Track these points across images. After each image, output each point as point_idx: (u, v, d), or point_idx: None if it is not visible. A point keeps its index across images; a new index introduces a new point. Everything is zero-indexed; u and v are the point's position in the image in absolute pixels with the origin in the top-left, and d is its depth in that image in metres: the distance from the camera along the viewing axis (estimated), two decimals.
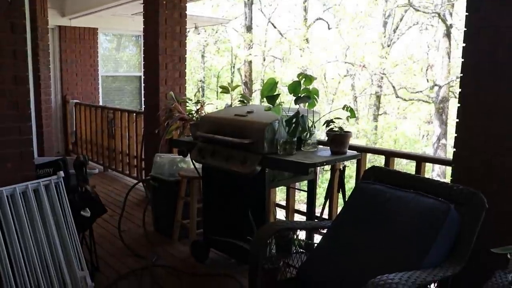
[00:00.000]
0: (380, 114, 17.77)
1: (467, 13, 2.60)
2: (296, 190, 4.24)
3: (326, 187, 3.37)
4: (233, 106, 3.89)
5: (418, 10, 15.07)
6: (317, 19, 19.35)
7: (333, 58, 16.50)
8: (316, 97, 2.96)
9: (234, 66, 19.80)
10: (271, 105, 2.90)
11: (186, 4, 5.48)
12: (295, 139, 2.96)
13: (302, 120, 2.90)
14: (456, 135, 2.65)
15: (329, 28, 18.85)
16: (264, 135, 2.96)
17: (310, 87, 2.95)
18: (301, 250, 3.11)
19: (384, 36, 17.00)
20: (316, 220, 3.53)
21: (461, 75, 2.60)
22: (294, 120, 2.88)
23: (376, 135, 16.78)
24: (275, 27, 19.46)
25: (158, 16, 5.16)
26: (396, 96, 15.31)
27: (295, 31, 19.34)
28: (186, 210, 4.14)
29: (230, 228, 3.44)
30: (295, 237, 3.04)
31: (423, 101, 15.50)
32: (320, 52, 16.32)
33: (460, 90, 2.62)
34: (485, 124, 2.53)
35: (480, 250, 2.27)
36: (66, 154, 7.89)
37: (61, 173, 3.13)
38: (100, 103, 8.32)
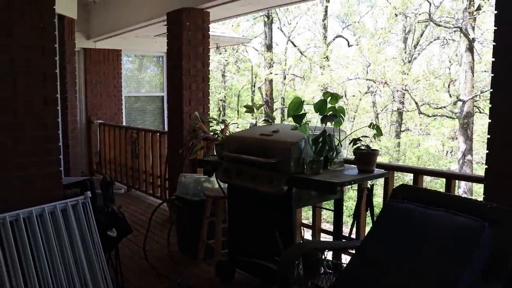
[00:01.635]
0: (403, 131, 17.59)
1: (495, 27, 2.56)
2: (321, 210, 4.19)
3: (355, 206, 3.32)
4: (257, 125, 3.89)
5: (439, 25, 14.97)
6: (336, 37, 19.41)
7: (354, 75, 16.46)
8: (342, 115, 2.94)
9: (254, 85, 19.91)
10: (297, 124, 2.89)
11: (209, 25, 5.55)
12: (322, 158, 2.93)
13: (329, 139, 2.88)
14: (487, 151, 2.60)
15: (349, 46, 18.87)
16: (291, 154, 2.94)
17: (336, 105, 2.93)
18: (329, 271, 3.07)
19: (405, 52, 16.92)
20: (344, 240, 3.49)
21: (491, 90, 2.55)
22: (321, 139, 2.86)
23: (399, 152, 16.59)
24: (295, 46, 19.56)
25: (182, 37, 5.23)
26: (419, 112, 15.15)
27: (315, 49, 19.41)
28: (211, 230, 4.11)
29: (256, 248, 3.41)
30: (323, 257, 2.99)
31: (447, 116, 15.29)
32: (341, 70, 16.32)
33: (490, 105, 2.57)
34: None
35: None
36: (90, 174, 7.98)
37: (88, 193, 3.16)
38: (124, 123, 8.42)
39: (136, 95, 9.07)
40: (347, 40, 19.33)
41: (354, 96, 18.03)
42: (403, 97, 15.95)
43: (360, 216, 3.49)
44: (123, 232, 3.42)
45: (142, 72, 9.31)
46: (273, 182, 3.02)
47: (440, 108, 15.06)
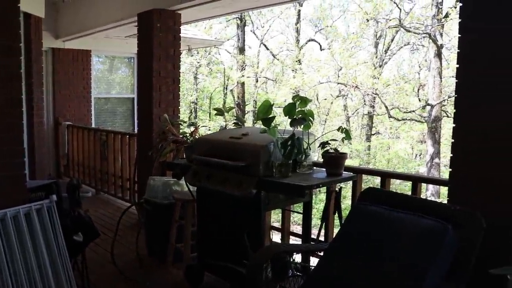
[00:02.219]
0: (373, 134, 17.85)
1: (460, 35, 2.62)
2: (291, 212, 4.20)
3: (323, 209, 3.34)
4: (227, 128, 3.88)
5: (409, 31, 15.27)
6: (309, 40, 19.57)
7: (326, 79, 16.62)
8: (311, 119, 2.96)
9: (226, 88, 19.88)
10: (266, 128, 2.89)
11: (180, 27, 5.51)
12: (291, 161, 2.94)
13: (298, 142, 2.89)
14: (452, 155, 2.65)
15: (321, 49, 19.06)
16: (260, 157, 2.94)
17: (305, 109, 2.95)
18: (298, 273, 3.08)
19: (376, 57, 17.19)
20: (312, 243, 3.50)
21: (456, 95, 2.61)
22: (289, 142, 2.87)
23: (369, 155, 16.82)
24: (267, 49, 19.63)
25: (152, 38, 5.18)
26: (388, 116, 15.40)
27: (287, 52, 19.52)
28: (180, 233, 4.08)
29: (225, 252, 3.39)
30: (292, 260, 3.00)
31: (416, 120, 15.60)
32: (313, 73, 16.45)
33: (454, 110, 2.63)
34: (480, 144, 2.53)
35: (478, 271, 2.24)
36: (57, 177, 7.81)
37: (54, 197, 3.09)
38: (93, 125, 8.28)
39: (107, 96, 8.93)
40: (319, 44, 19.52)
41: (325, 99, 18.21)
42: (374, 101, 16.19)
43: (329, 218, 3.51)
44: (90, 236, 3.35)
45: (113, 73, 9.18)
46: (242, 185, 3.01)
47: (410, 112, 15.35)
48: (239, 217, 3.25)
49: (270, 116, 2.90)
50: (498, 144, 2.47)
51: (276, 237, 4.10)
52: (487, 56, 2.50)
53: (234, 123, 3.78)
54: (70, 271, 3.03)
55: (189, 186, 3.77)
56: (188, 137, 4.27)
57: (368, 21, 15.99)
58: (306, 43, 19.47)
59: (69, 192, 3.36)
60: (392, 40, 17.64)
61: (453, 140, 2.64)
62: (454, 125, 2.63)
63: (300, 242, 3.74)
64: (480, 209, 2.29)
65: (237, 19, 18.14)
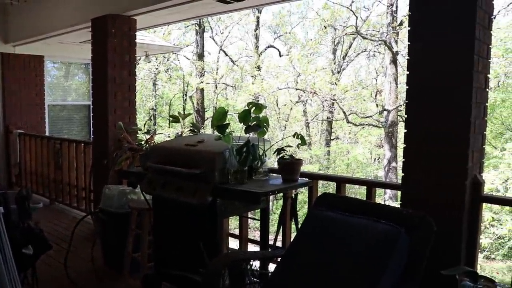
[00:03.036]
0: (332, 139, 18.11)
1: (409, 43, 2.70)
2: (250, 219, 4.19)
3: (279, 216, 3.35)
4: (184, 135, 3.84)
5: (365, 38, 15.61)
6: (268, 47, 19.70)
7: (285, 85, 16.77)
8: (266, 125, 2.96)
9: (186, 94, 19.74)
10: (221, 135, 2.87)
11: (136, 33, 5.43)
12: (246, 168, 2.93)
13: (253, 149, 2.89)
14: (403, 159, 2.71)
15: (280, 56, 19.22)
16: (215, 164, 2.92)
17: (260, 115, 2.95)
18: (255, 280, 3.07)
19: (334, 63, 17.47)
20: (270, 249, 3.50)
21: (406, 101, 2.68)
22: (244, 149, 2.86)
23: (328, 160, 17.04)
24: (226, 55, 19.64)
25: (107, 44, 5.08)
26: (347, 121, 15.67)
27: (247, 58, 19.59)
28: (137, 243, 4.00)
29: (182, 260, 3.34)
30: (249, 267, 2.99)
31: (373, 125, 15.93)
32: (272, 79, 16.56)
33: (405, 115, 2.69)
34: (430, 148, 2.60)
35: (431, 273, 2.30)
36: (9, 187, 7.52)
37: (1, 209, 2.96)
38: (47, 133, 8.03)
39: (62, 103, 8.69)
40: (278, 50, 19.69)
41: (285, 105, 18.36)
42: (333, 107, 16.44)
43: (286, 224, 3.53)
44: (41, 248, 3.24)
45: (69, 80, 8.94)
46: (198, 193, 2.98)
47: (367, 117, 15.66)
48: (196, 225, 3.21)
49: (225, 123, 2.88)
50: (446, 149, 2.55)
51: (234, 244, 4.08)
52: (432, 64, 2.59)
53: (190, 130, 3.74)
54: (18, 286, 2.91)
55: (145, 194, 3.70)
56: (144, 145, 4.20)
57: (325, 28, 16.25)
58: (265, 50, 19.60)
59: (18, 203, 3.24)
60: (349, 47, 17.99)
61: (404, 145, 2.71)
62: (405, 130, 2.70)
63: (258, 249, 3.73)
64: (431, 212, 2.35)
65: (196, 25, 18.07)
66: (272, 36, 20.45)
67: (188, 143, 3.27)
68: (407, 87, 2.67)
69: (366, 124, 16.18)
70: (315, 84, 15.14)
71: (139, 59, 13.93)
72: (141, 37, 7.67)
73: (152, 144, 4.13)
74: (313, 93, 15.00)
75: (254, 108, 2.95)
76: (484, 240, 8.76)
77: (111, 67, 5.11)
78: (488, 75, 2.75)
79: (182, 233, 3.35)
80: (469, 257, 2.67)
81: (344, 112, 15.24)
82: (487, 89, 2.75)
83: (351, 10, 15.20)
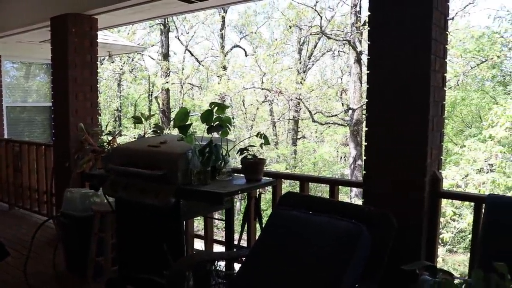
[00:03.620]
0: (299, 138, 18.24)
1: (369, 42, 2.74)
2: (216, 220, 4.17)
3: (243, 216, 3.35)
4: (146, 136, 3.79)
5: (330, 38, 15.78)
6: (234, 47, 19.69)
7: (251, 85, 16.79)
8: (228, 125, 2.95)
9: (151, 95, 19.50)
10: (183, 135, 2.85)
11: (97, 32, 5.33)
12: (209, 168, 2.92)
13: (215, 149, 2.88)
14: (365, 158, 2.75)
15: (246, 55, 19.23)
16: (178, 165, 2.89)
17: (223, 115, 2.94)
18: (221, 280, 3.06)
19: (300, 62, 17.59)
20: (236, 250, 3.49)
21: (367, 100, 2.72)
22: (207, 149, 2.84)
23: (295, 159, 17.15)
24: (192, 55, 19.51)
25: (67, 44, 4.96)
26: (312, 120, 15.82)
27: (212, 58, 19.52)
28: (100, 246, 3.92)
29: (147, 263, 3.30)
30: (213, 268, 2.98)
31: (339, 124, 16.13)
32: (238, 79, 16.55)
33: (366, 114, 2.73)
34: (390, 146, 2.65)
35: (392, 268, 2.34)
36: None
37: None
38: (5, 136, 7.77)
39: (23, 105, 8.43)
40: (244, 50, 19.69)
41: (251, 105, 18.38)
42: (299, 106, 16.56)
43: (251, 224, 3.53)
44: None
45: (30, 80, 8.67)
46: (161, 195, 2.95)
47: (332, 116, 15.85)
48: (159, 227, 3.17)
49: (187, 123, 2.86)
50: (405, 147, 2.60)
51: (200, 245, 4.05)
52: (391, 64, 2.63)
53: (153, 131, 3.70)
54: None
55: (107, 197, 3.63)
56: (106, 147, 4.12)
57: (290, 27, 16.36)
58: (231, 49, 19.58)
59: None
60: (315, 47, 18.14)
61: (366, 143, 2.75)
62: (366, 128, 2.74)
63: (224, 249, 3.72)
64: (392, 209, 2.39)
65: (161, 25, 17.87)
66: (238, 36, 20.46)
67: (150, 144, 3.23)
68: (368, 86, 2.71)
69: (332, 123, 16.36)
70: (280, 84, 15.22)
71: (103, 59, 13.68)
72: (104, 36, 7.51)
73: (114, 145, 4.06)
74: (278, 93, 15.07)
75: (216, 108, 2.94)
76: (446, 235, 9.00)
77: (71, 67, 4.99)
78: (445, 74, 2.82)
79: (146, 235, 3.31)
80: (429, 251, 2.74)
81: (310, 111, 15.38)
82: (444, 88, 2.82)
83: (315, 10, 15.33)
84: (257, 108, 18.01)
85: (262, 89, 16.17)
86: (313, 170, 16.52)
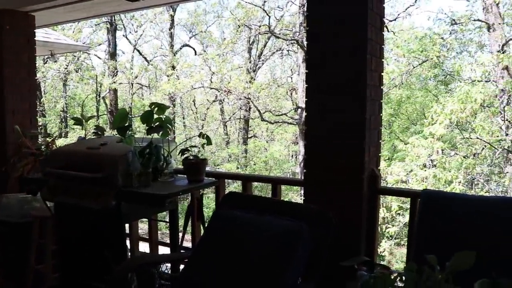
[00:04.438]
0: (250, 137, 18.29)
1: (307, 42, 2.77)
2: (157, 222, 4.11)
3: (184, 217, 3.31)
4: (87, 138, 3.68)
5: (278, 37, 15.91)
6: (183, 46, 19.49)
7: (200, 84, 16.68)
8: (169, 126, 2.92)
9: (99, 95, 18.99)
10: (122, 137, 2.79)
11: (36, 30, 5.12)
12: (150, 170, 2.87)
13: (156, 150, 2.83)
14: (305, 157, 2.78)
15: (196, 54, 19.08)
16: (117, 167, 2.83)
17: (163, 116, 2.90)
18: (165, 282, 3.02)
19: (250, 62, 17.63)
20: (183, 251, 3.45)
21: (306, 99, 2.75)
22: (147, 150, 2.79)
23: (246, 158, 17.19)
24: (141, 54, 19.16)
25: (1, 42, 4.73)
26: (261, 119, 15.90)
27: (162, 57, 19.23)
28: (40, 253, 3.77)
29: (90, 269, 3.20)
30: (157, 270, 2.93)
31: (288, 123, 16.28)
32: (187, 79, 16.38)
33: (305, 113, 2.76)
34: (329, 145, 2.70)
35: (333, 265, 2.37)
36: None
37: None
38: None
39: None
40: (194, 49, 19.53)
41: (201, 104, 18.27)
42: (249, 105, 16.59)
43: (195, 225, 3.50)
44: None
45: None
46: (101, 198, 2.87)
47: (282, 115, 15.98)
48: (101, 230, 3.09)
49: (126, 124, 2.79)
50: (344, 145, 2.65)
51: (146, 248, 3.98)
52: (329, 63, 2.68)
53: (93, 132, 3.59)
54: None
55: (46, 202, 3.50)
56: (44, 150, 3.97)
57: (239, 27, 16.37)
58: (181, 48, 19.37)
59: None
60: (264, 46, 18.22)
61: (305, 142, 2.78)
62: (305, 127, 2.77)
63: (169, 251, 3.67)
64: (332, 207, 2.44)
65: (107, 23, 17.43)
66: (187, 35, 20.25)
67: (90, 146, 3.14)
68: (307, 85, 2.74)
69: (281, 122, 16.50)
70: (229, 83, 15.20)
71: (48, 57, 13.16)
72: (45, 35, 7.24)
73: (53, 148, 3.92)
74: (227, 92, 15.05)
75: (156, 108, 2.89)
76: (392, 229, 9.27)
77: (6, 66, 4.76)
78: (382, 74, 2.90)
79: (87, 240, 3.21)
80: (369, 247, 2.80)
81: (259, 110, 15.45)
82: (381, 87, 2.89)
83: (264, 10, 15.41)
84: (208, 108, 17.91)
85: (211, 88, 16.09)
86: (264, 169, 16.61)
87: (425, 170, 8.81)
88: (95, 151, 3.04)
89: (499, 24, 9.97)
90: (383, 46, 2.87)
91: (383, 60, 2.88)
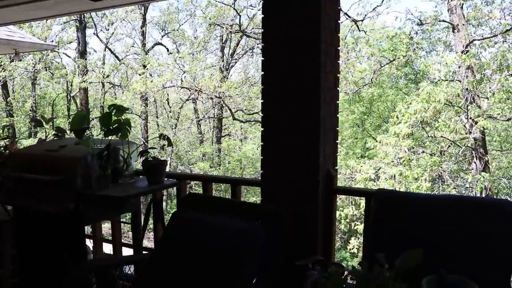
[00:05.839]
0: (223, 136, 18.27)
1: (263, 44, 2.80)
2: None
3: (144, 218, 3.31)
4: (47, 140, 3.65)
5: (249, 36, 15.95)
6: (156, 44, 19.32)
7: (173, 83, 16.58)
8: (128, 128, 2.91)
9: (70, 94, 18.67)
10: (79, 139, 2.78)
11: None
12: (109, 172, 2.86)
13: (114, 152, 2.83)
14: (262, 157, 2.82)
15: (168, 53, 18.94)
16: (76, 170, 2.81)
17: (122, 117, 2.90)
18: (126, 284, 3.03)
19: (223, 60, 17.61)
20: (145, 252, 3.45)
21: (262, 101, 2.78)
22: (105, 152, 2.79)
23: (219, 157, 17.18)
24: (112, 53, 18.92)
25: None
26: (233, 118, 15.91)
27: (134, 56, 19.03)
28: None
29: (50, 273, 3.17)
30: (117, 272, 2.93)
31: (259, 121, 16.34)
32: (160, 77, 16.25)
33: (262, 114, 2.80)
34: (285, 145, 2.74)
35: (290, 265, 2.42)
36: None
37: None
38: None
39: None
40: (166, 47, 19.39)
41: (174, 103, 18.16)
42: (222, 104, 16.58)
43: (157, 226, 3.50)
44: None
45: None
46: (59, 201, 2.85)
47: (253, 113, 16.03)
48: (60, 234, 3.07)
49: (84, 127, 2.78)
50: (299, 146, 2.70)
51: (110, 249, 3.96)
52: (283, 65, 2.72)
53: (54, 134, 3.55)
54: None
55: (4, 205, 3.46)
56: (2, 152, 3.90)
57: (210, 26, 16.34)
58: (153, 47, 19.20)
59: None
60: (237, 45, 18.22)
61: (262, 143, 2.81)
62: (262, 128, 2.80)
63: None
64: (289, 207, 2.48)
65: (77, 21, 17.15)
66: (160, 33, 20.08)
67: (49, 149, 3.12)
68: (262, 87, 2.78)
69: (253, 121, 16.54)
70: (200, 83, 15.16)
71: (15, 55, 12.87)
72: (9, 33, 7.11)
73: (12, 150, 3.86)
74: (198, 91, 15.00)
75: (115, 110, 2.88)
76: (361, 226, 9.41)
77: None
78: (338, 75, 2.95)
79: (47, 243, 3.18)
80: (326, 246, 2.85)
81: (230, 109, 15.47)
82: (337, 88, 2.94)
83: (234, 9, 15.40)
84: (181, 107, 17.81)
85: (182, 87, 16.01)
86: (238, 168, 16.62)
87: (392, 168, 8.97)
88: (54, 154, 3.02)
89: (463, 25, 10.22)
90: (338, 48, 2.92)
91: (338, 61, 2.93)
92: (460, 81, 9.70)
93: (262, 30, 2.79)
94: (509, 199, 11.32)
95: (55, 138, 3.56)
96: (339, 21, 2.90)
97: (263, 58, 2.78)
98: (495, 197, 10.18)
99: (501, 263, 2.24)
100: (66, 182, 2.85)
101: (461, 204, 2.52)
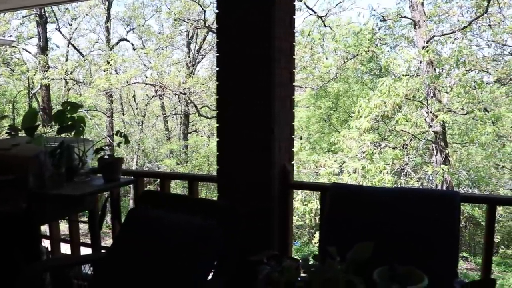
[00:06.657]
0: (190, 133, 18.18)
1: (217, 40, 2.81)
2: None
3: (99, 216, 3.28)
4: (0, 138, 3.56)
5: (215, 32, 15.87)
6: (121, 40, 19.02)
7: (139, 79, 16.38)
8: (82, 125, 2.87)
9: (31, 91, 18.17)
10: (30, 137, 2.72)
11: None
12: (63, 170, 2.82)
13: (67, 150, 2.79)
14: (218, 153, 2.83)
15: (134, 49, 18.67)
16: (28, 169, 2.76)
17: (76, 115, 2.86)
18: (83, 283, 3.00)
19: (189, 56, 17.49)
20: (103, 250, 3.41)
21: (217, 97, 2.78)
22: (58, 150, 2.75)
23: (186, 153, 17.09)
24: (75, 48, 18.53)
25: None
26: (198, 114, 15.85)
27: (99, 52, 18.68)
28: None
29: (2, 273, 3.10)
30: (73, 272, 2.90)
31: None
32: (125, 73, 16.01)
33: (217, 110, 2.80)
34: (240, 141, 2.75)
35: (246, 260, 2.44)
36: None
37: None
38: None
39: None
40: (131, 43, 19.11)
41: (142, 99, 17.95)
42: (189, 100, 16.47)
43: (115, 225, 3.47)
44: None
45: None
46: (11, 200, 2.80)
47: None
48: (13, 234, 3.00)
49: (35, 124, 2.73)
50: (254, 141, 2.72)
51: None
52: (237, 61, 2.73)
53: (6, 132, 3.47)
54: None
55: None
56: None
57: (176, 21, 16.20)
58: (118, 43, 18.89)
59: None
60: (203, 40, 18.12)
61: (217, 139, 2.82)
62: (217, 124, 2.81)
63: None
64: (244, 203, 2.50)
65: (37, 15, 16.68)
66: (125, 29, 19.76)
67: (1, 148, 3.05)
68: (217, 83, 2.78)
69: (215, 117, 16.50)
70: (164, 79, 15.03)
71: None
72: None
73: None
74: (163, 87, 14.87)
75: (69, 108, 2.84)
76: None
77: None
78: (294, 71, 2.97)
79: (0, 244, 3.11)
80: (282, 241, 2.88)
81: (195, 106, 15.40)
82: (293, 83, 2.96)
83: (199, 4, 15.31)
84: (147, 103, 17.61)
85: (146, 84, 15.84)
86: (206, 164, 16.57)
87: (356, 162, 9.12)
88: (6, 152, 2.95)
89: (424, 21, 10.47)
90: (294, 44, 2.95)
91: (294, 57, 2.96)
92: (420, 76, 9.93)
93: (217, 25, 2.79)
94: (469, 191, 11.69)
95: (8, 137, 3.49)
96: (294, 17, 2.92)
97: (217, 54, 2.79)
98: (456, 189, 10.49)
99: (448, 250, 2.33)
100: (18, 181, 2.80)
101: (411, 195, 2.61)
